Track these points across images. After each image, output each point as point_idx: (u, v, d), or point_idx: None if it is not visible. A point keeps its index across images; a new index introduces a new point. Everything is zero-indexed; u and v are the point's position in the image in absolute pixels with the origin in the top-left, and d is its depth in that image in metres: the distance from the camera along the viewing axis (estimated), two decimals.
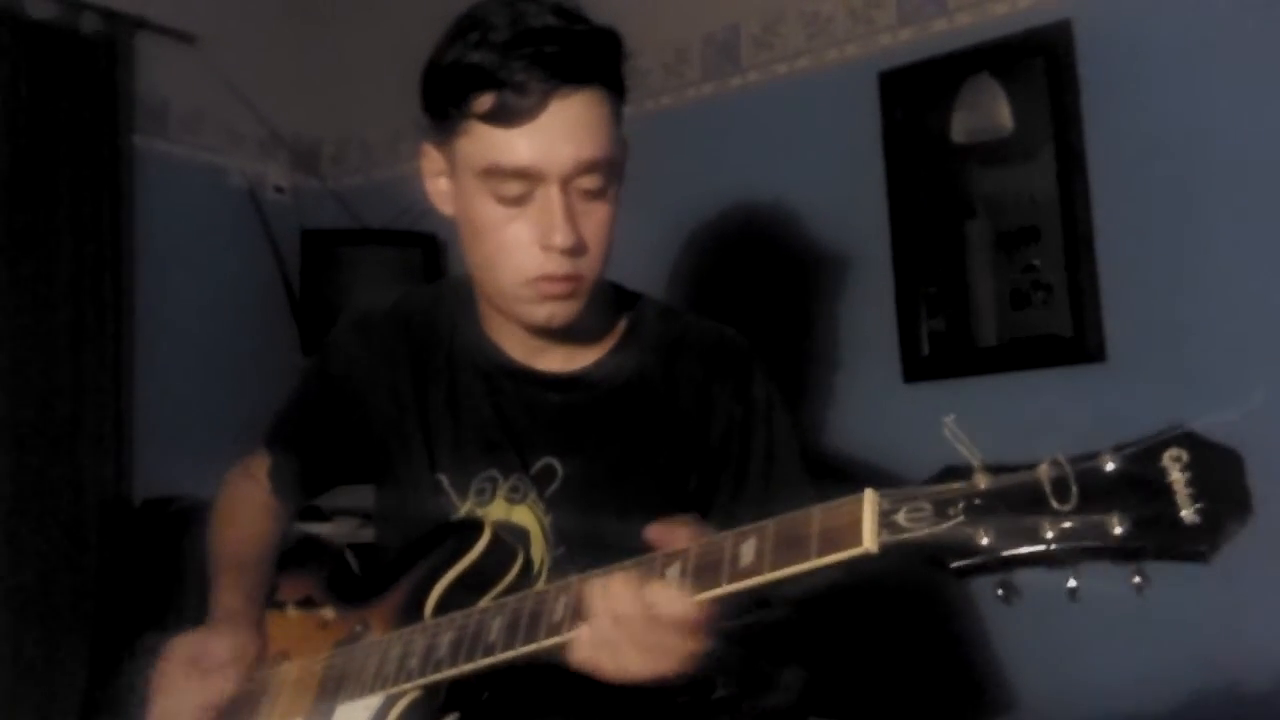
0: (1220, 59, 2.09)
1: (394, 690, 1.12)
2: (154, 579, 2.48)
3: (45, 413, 2.69)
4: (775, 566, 0.89)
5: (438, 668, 1.09)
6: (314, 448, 1.43)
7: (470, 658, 1.06)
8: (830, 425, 2.42)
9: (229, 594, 1.31)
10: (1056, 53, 2.24)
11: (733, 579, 0.91)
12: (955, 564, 0.78)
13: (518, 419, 1.30)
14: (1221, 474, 0.73)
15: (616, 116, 1.21)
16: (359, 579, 1.35)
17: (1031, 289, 2.26)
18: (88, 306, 2.78)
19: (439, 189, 1.28)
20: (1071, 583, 0.76)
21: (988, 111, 2.33)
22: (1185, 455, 0.73)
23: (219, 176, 3.21)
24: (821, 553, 0.86)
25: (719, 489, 1.29)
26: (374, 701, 1.13)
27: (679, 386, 1.30)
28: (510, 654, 1.04)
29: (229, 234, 3.17)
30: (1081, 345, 2.19)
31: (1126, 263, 2.17)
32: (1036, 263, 2.26)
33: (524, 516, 1.28)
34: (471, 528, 1.22)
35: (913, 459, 2.62)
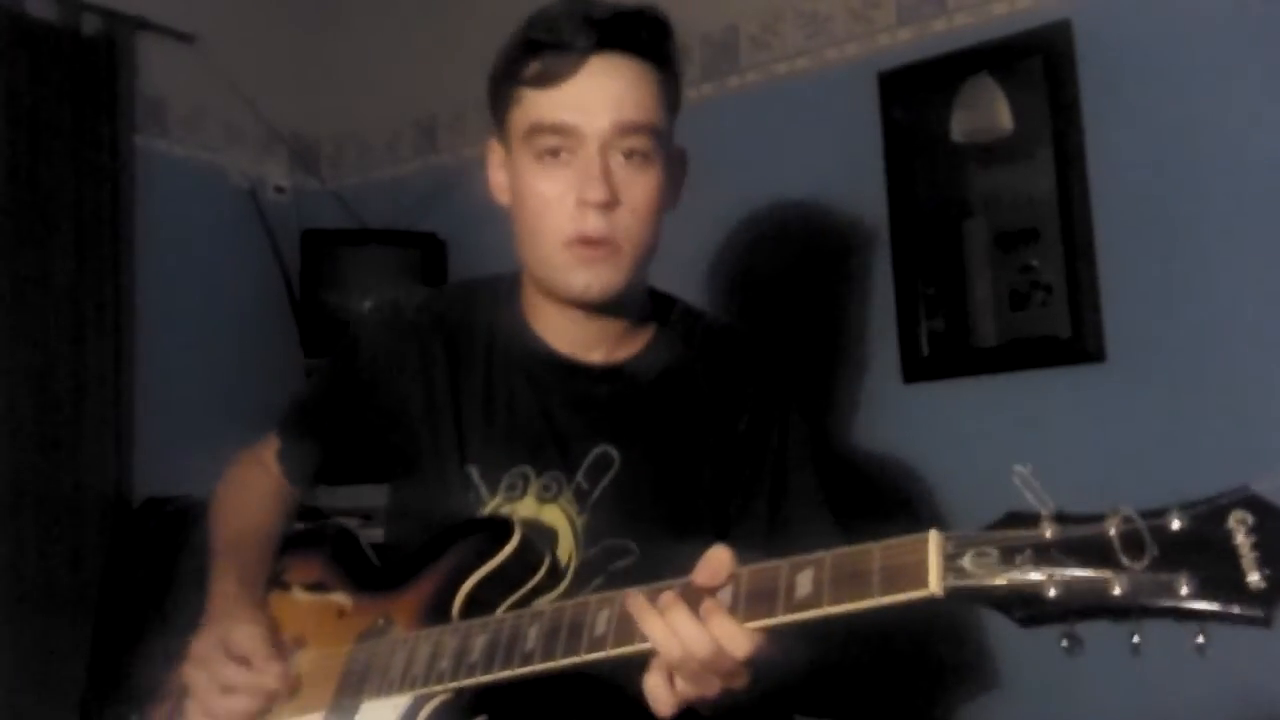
0: (1220, 59, 2.09)
1: (424, 691, 1.11)
2: (154, 578, 2.48)
3: (46, 412, 2.70)
4: (835, 601, 0.88)
5: (471, 671, 1.08)
6: (331, 435, 1.43)
7: (506, 664, 1.06)
8: (830, 425, 2.42)
9: (226, 579, 1.30)
10: (1056, 53, 2.23)
11: (789, 610, 0.91)
12: (1020, 614, 0.79)
13: (565, 413, 1.31)
14: None
15: (665, 95, 1.25)
16: (378, 568, 1.34)
17: (1031, 289, 2.26)
18: (88, 306, 2.78)
19: (499, 182, 1.33)
20: (1135, 639, 0.77)
21: (987, 111, 2.33)
22: (1250, 519, 0.74)
23: (219, 176, 3.21)
24: (884, 591, 0.85)
25: (738, 483, 1.32)
26: (402, 701, 1.12)
27: (714, 378, 1.34)
28: (549, 665, 1.03)
29: (229, 234, 3.17)
30: (1081, 345, 2.19)
31: (1126, 263, 2.17)
32: (1036, 263, 2.26)
33: (554, 515, 1.28)
34: (501, 526, 1.21)
35: (912, 459, 2.63)
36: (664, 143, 1.25)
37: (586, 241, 1.21)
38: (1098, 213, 2.20)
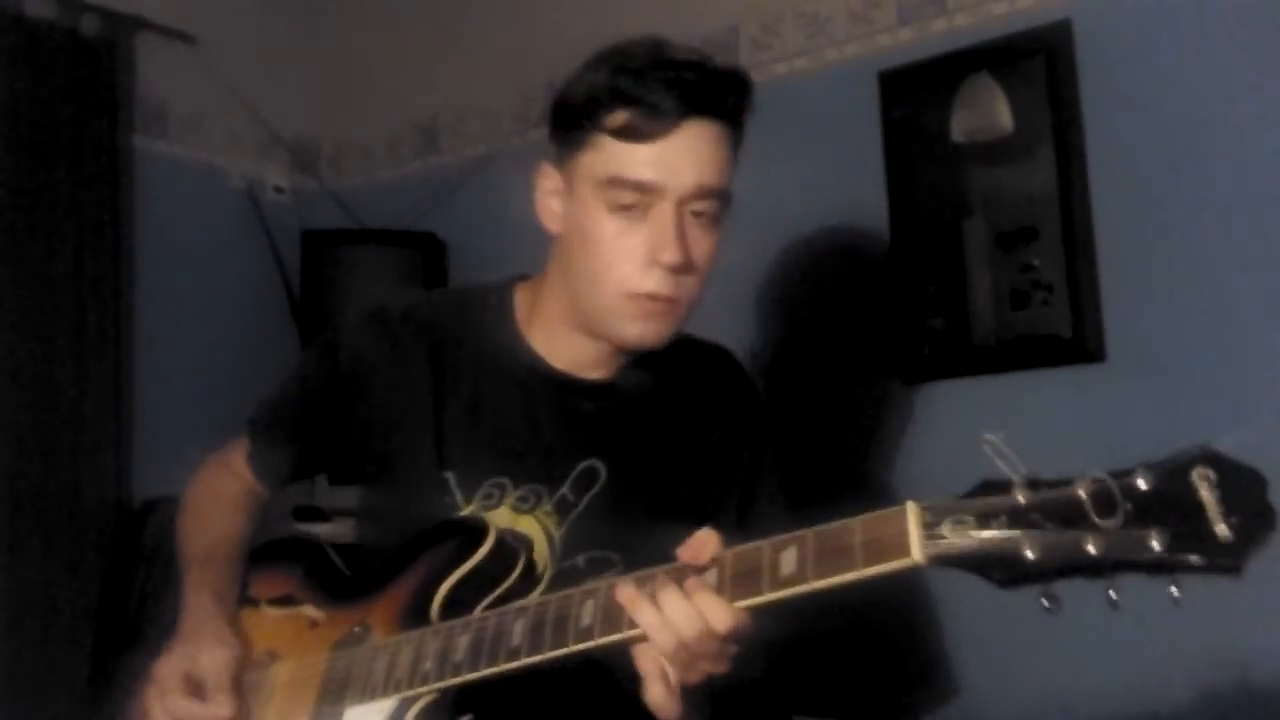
0: (1220, 58, 2.09)
1: (410, 694, 1.11)
2: (153, 579, 2.49)
3: (46, 413, 2.69)
4: (819, 576, 0.90)
5: (456, 671, 1.08)
6: (305, 435, 1.42)
7: (492, 661, 1.06)
8: (829, 425, 2.42)
9: (200, 595, 1.30)
10: (1056, 53, 2.24)
11: (774, 587, 0.93)
12: (1000, 576, 0.82)
13: (555, 426, 1.32)
14: (1248, 491, 0.77)
15: (736, 155, 1.26)
16: (348, 576, 1.34)
17: (1031, 289, 2.26)
18: (88, 307, 2.78)
19: (550, 208, 1.31)
20: (1112, 594, 0.79)
21: (987, 111, 2.33)
22: (1213, 474, 0.77)
23: (219, 177, 3.21)
24: (867, 563, 0.88)
25: (710, 491, 1.35)
26: (387, 704, 1.12)
27: (692, 395, 1.37)
28: (536, 658, 1.03)
29: (229, 235, 3.17)
30: (1081, 345, 2.19)
31: (1126, 263, 2.17)
32: (1036, 262, 2.26)
33: (529, 526, 1.29)
34: (475, 528, 1.22)
35: (912, 458, 2.63)
36: (729, 205, 1.27)
37: (654, 298, 1.22)
38: (1098, 212, 2.20)
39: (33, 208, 2.72)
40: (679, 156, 1.19)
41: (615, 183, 1.20)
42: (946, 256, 2.37)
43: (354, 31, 3.38)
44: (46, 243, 2.74)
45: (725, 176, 1.24)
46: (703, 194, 1.21)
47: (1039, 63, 2.26)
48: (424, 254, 3.08)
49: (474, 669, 1.07)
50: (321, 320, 3.02)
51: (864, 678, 2.28)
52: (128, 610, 2.57)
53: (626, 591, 1.00)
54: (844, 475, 2.30)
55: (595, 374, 1.34)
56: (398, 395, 1.33)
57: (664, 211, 1.20)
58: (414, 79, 3.24)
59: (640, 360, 1.34)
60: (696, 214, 1.22)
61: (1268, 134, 2.03)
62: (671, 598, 0.97)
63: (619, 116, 1.20)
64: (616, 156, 1.20)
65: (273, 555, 1.41)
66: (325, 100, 3.38)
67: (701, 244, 1.23)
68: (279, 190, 3.34)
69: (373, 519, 1.40)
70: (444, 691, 1.10)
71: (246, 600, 1.34)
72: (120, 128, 2.91)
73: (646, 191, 1.20)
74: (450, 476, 1.30)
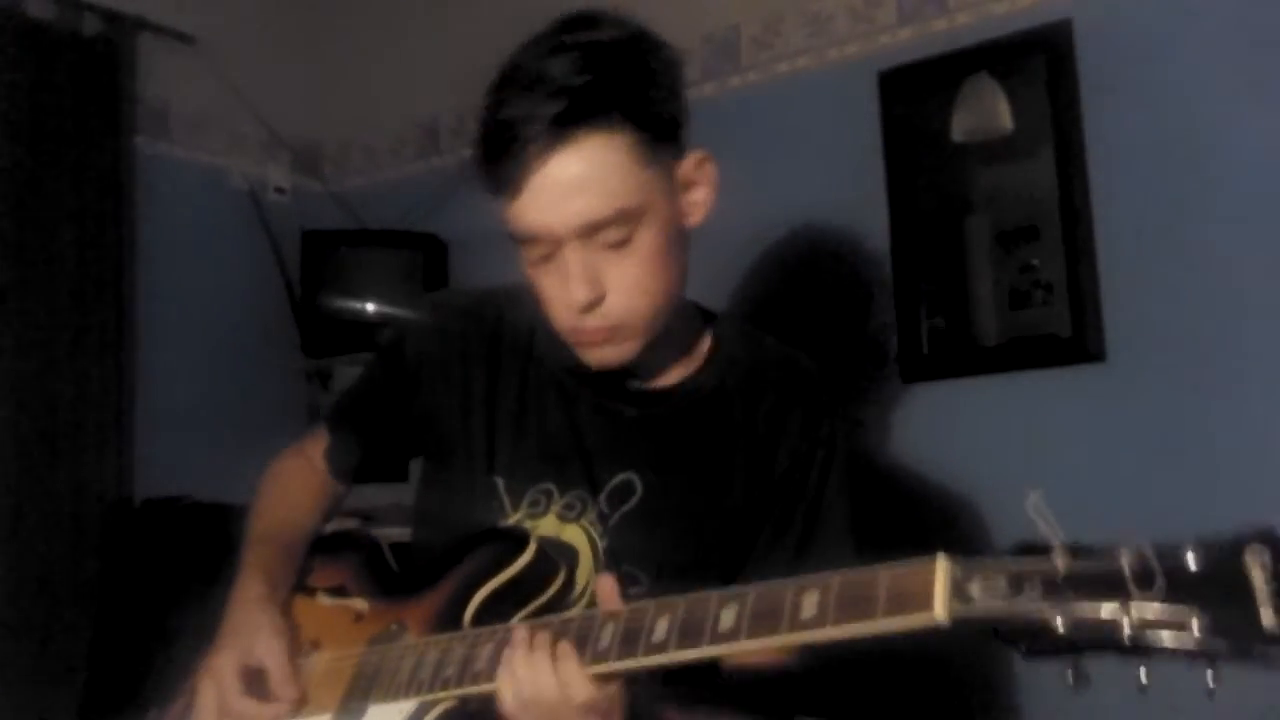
0: (1220, 58, 2.09)
1: (429, 698, 1.11)
2: (155, 578, 2.49)
3: (47, 413, 2.70)
4: (838, 623, 0.87)
5: (475, 680, 1.08)
6: (375, 431, 1.42)
7: None
8: None
9: (253, 580, 1.28)
10: (1056, 52, 2.24)
11: (793, 629, 0.90)
12: (1026, 645, 0.78)
13: (593, 431, 1.29)
14: None
15: (641, 150, 1.14)
16: (396, 574, 1.34)
17: (1031, 289, 2.26)
18: (90, 307, 2.79)
19: None
20: (1143, 678, 0.75)
21: (987, 111, 2.33)
22: (1268, 557, 0.72)
23: (220, 178, 3.21)
24: (888, 614, 0.84)
25: (766, 522, 1.28)
26: (408, 706, 1.12)
27: (755, 410, 1.29)
28: None
29: (230, 235, 3.17)
30: (1081, 345, 2.19)
31: (1126, 263, 2.17)
32: (1036, 262, 2.26)
33: (575, 535, 1.26)
34: (517, 538, 1.21)
35: (912, 457, 2.62)
36: (648, 205, 1.16)
37: (583, 332, 1.19)
38: (1098, 212, 2.20)
39: (35, 208, 2.73)
40: (557, 198, 1.12)
41: (517, 239, 1.17)
42: (947, 256, 2.37)
43: (355, 32, 3.38)
44: (49, 243, 2.74)
45: (620, 198, 1.12)
46: (597, 227, 1.13)
47: (1039, 63, 2.26)
48: (425, 255, 3.08)
49: (491, 679, 1.06)
50: (322, 321, 3.03)
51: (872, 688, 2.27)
52: (128, 609, 2.58)
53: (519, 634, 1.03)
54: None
55: (638, 377, 1.29)
56: (454, 395, 1.32)
57: (564, 254, 1.15)
58: (415, 79, 3.24)
59: (699, 369, 1.30)
60: (605, 243, 1.14)
61: (1268, 133, 2.03)
62: (537, 661, 1.00)
63: (490, 170, 1.15)
64: (509, 212, 1.16)
65: (333, 546, 1.41)
66: (327, 101, 3.39)
67: (619, 269, 1.16)
68: (280, 191, 3.35)
69: (427, 519, 1.39)
70: (464, 699, 1.10)
71: (304, 588, 1.34)
72: (122, 129, 2.91)
73: (543, 240, 1.15)
74: (500, 481, 1.29)
